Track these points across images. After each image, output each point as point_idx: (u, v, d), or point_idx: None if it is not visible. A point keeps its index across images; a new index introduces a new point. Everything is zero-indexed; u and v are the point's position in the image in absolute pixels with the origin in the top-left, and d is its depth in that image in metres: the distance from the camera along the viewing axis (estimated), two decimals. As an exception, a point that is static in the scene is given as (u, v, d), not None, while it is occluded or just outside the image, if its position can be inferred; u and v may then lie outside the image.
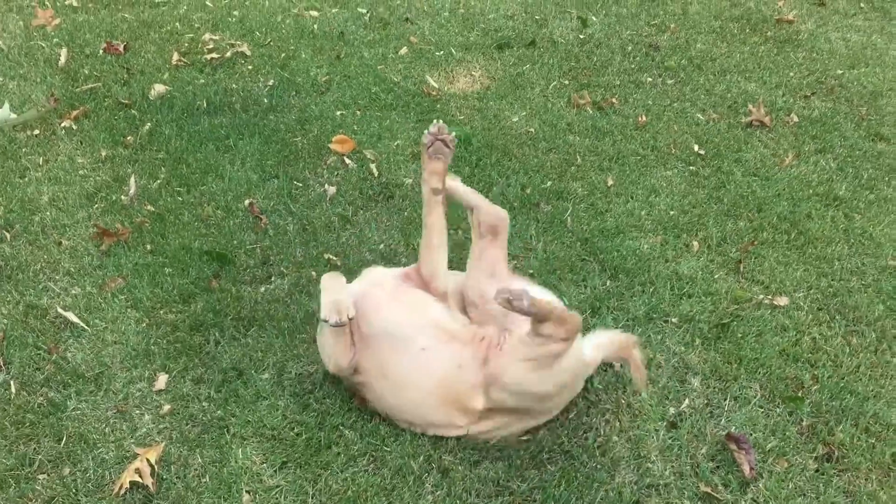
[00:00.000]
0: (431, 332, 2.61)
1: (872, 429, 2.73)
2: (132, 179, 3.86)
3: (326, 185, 3.91)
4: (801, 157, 4.20)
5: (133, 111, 4.45)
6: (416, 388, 2.58)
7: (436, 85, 4.83)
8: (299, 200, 3.81)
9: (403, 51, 5.21)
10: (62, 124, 4.28)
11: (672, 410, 2.79)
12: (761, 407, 2.82)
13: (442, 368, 2.55)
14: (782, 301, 3.26)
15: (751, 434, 2.71)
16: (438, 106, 4.60)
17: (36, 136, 4.19)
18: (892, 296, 3.27)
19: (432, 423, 2.62)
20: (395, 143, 4.25)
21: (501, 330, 2.61)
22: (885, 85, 4.86)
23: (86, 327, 3.08)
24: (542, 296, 2.55)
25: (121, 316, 3.14)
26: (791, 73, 5.01)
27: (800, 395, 2.85)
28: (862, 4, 6.11)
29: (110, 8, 5.62)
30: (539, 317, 2.39)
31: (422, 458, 2.59)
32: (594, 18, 5.69)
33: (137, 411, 2.77)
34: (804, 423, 2.76)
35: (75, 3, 5.65)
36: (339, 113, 4.52)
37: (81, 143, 4.16)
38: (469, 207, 2.86)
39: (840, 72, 5.02)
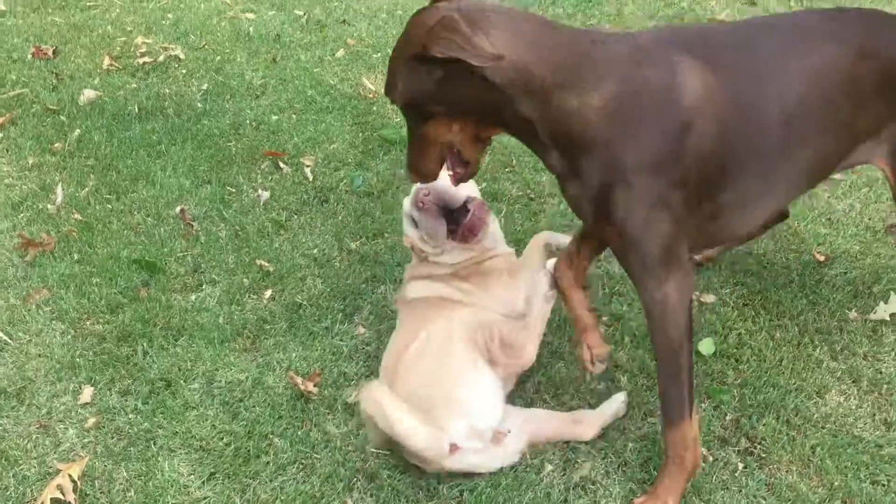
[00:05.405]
0: None
1: (793, 422, 2.80)
2: (59, 188, 3.79)
3: (260, 191, 3.88)
4: (730, 155, 4.28)
5: (62, 117, 4.37)
6: None
7: (372, 87, 4.82)
8: (232, 206, 3.78)
9: (340, 53, 5.20)
10: (-13, 132, 4.19)
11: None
12: (687, 403, 2.87)
13: None
14: (709, 298, 3.32)
15: (676, 430, 2.76)
16: (375, 108, 4.59)
17: (-41, 144, 4.10)
18: (814, 290, 3.35)
19: None
20: (331, 147, 4.23)
21: None
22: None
23: (9, 341, 3.02)
24: None
25: (45, 328, 3.08)
26: (722, 72, 5.10)
27: (724, 389, 2.91)
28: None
29: (40, 11, 5.52)
30: None
31: (351, 464, 2.60)
32: (531, 19, 5.72)
33: (61, 426, 2.72)
34: (728, 418, 2.82)
35: (3, 7, 5.53)
36: (274, 117, 4.49)
37: (7, 151, 4.08)
38: None
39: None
